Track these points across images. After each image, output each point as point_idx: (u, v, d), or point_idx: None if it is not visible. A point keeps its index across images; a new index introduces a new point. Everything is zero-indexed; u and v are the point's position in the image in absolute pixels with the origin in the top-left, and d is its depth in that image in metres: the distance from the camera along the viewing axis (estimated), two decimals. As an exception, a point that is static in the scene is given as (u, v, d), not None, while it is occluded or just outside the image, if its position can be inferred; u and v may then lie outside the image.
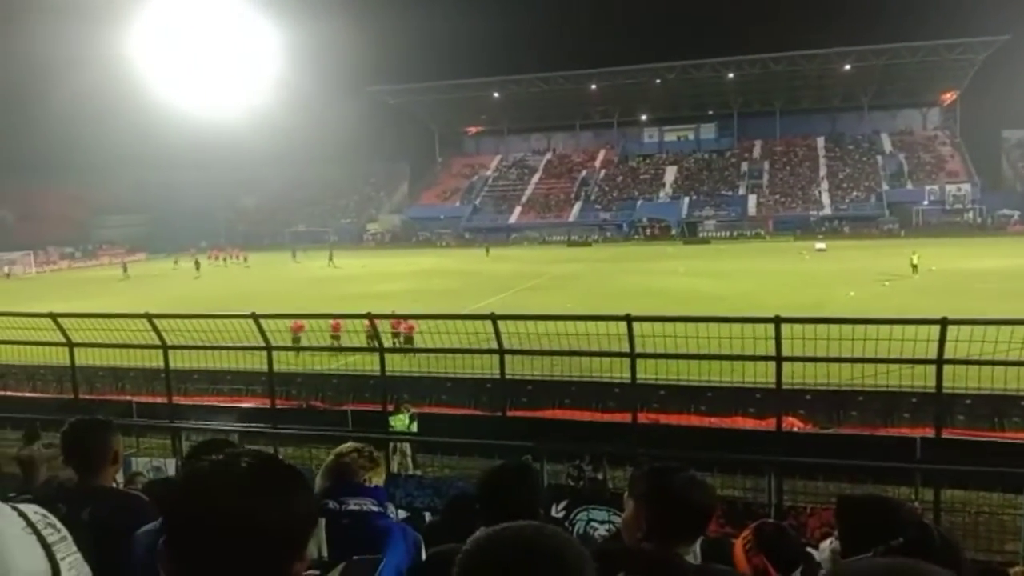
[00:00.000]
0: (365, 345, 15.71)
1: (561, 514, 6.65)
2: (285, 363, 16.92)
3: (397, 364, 14.61)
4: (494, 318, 10.65)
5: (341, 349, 17.68)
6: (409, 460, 12.56)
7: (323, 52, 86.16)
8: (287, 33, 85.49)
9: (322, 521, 2.83)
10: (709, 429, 12.85)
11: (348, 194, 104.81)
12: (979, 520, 8.25)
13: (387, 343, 14.22)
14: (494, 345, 10.91)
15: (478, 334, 11.43)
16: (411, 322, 16.71)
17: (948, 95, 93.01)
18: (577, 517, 6.53)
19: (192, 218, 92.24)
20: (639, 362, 10.88)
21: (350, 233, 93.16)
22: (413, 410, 13.45)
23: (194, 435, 10.61)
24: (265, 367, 12.04)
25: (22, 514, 2.04)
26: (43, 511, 2.12)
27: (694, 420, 13.94)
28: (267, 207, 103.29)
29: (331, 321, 16.35)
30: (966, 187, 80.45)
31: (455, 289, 39.89)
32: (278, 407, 12.75)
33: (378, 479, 3.20)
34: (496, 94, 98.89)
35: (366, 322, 12.66)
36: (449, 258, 65.26)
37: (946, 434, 11.19)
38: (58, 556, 1.97)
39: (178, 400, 14.04)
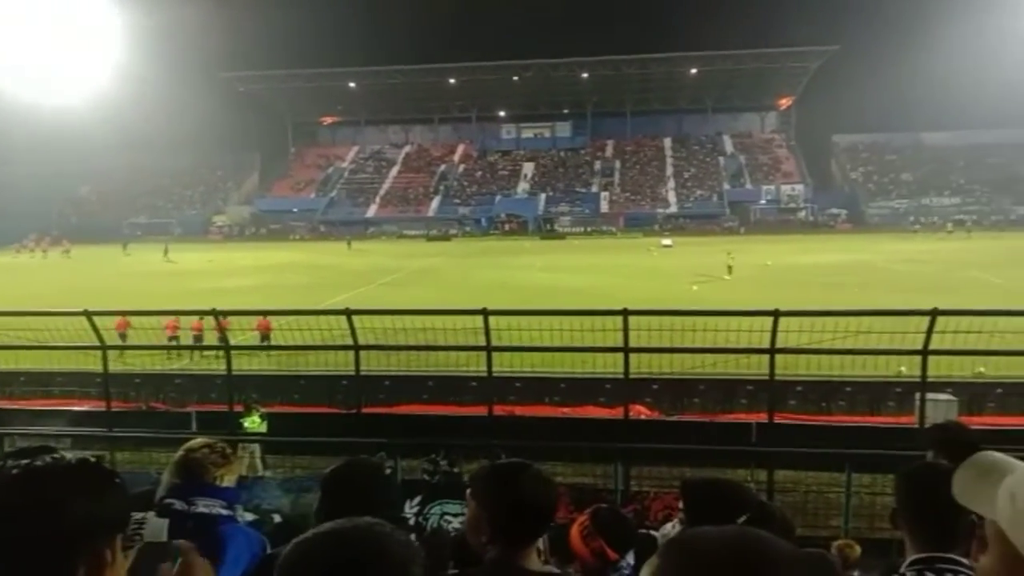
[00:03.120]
0: (213, 343, 15.06)
1: (415, 509, 6.64)
2: (123, 363, 15.97)
3: (246, 363, 14.08)
4: (348, 313, 10.46)
5: (182, 347, 16.87)
6: (258, 461, 12.16)
7: (172, 36, 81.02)
8: (133, 15, 79.68)
9: (164, 522, 2.71)
10: (562, 419, 13.19)
11: (193, 184, 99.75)
12: (808, 498, 8.88)
13: (237, 340, 13.69)
14: (349, 341, 10.73)
15: (332, 330, 11.21)
16: (266, 319, 16.23)
17: (784, 100, 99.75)
18: (431, 511, 6.53)
19: (24, 209, 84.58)
20: (495, 355, 11.03)
21: (195, 225, 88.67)
22: (263, 410, 13.01)
23: (20, 440, 9.84)
24: (100, 367, 11.28)
25: None
26: None
27: (548, 410, 14.27)
28: (105, 197, 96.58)
29: (165, 321, 15.58)
30: (799, 187, 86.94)
31: (310, 284, 38.82)
32: (114, 410, 11.98)
33: (231, 477, 3.09)
34: (352, 84, 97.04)
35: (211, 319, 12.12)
36: (304, 252, 63.45)
37: (778, 419, 12.02)
38: None
39: (3, 404, 13.02)
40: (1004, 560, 1.09)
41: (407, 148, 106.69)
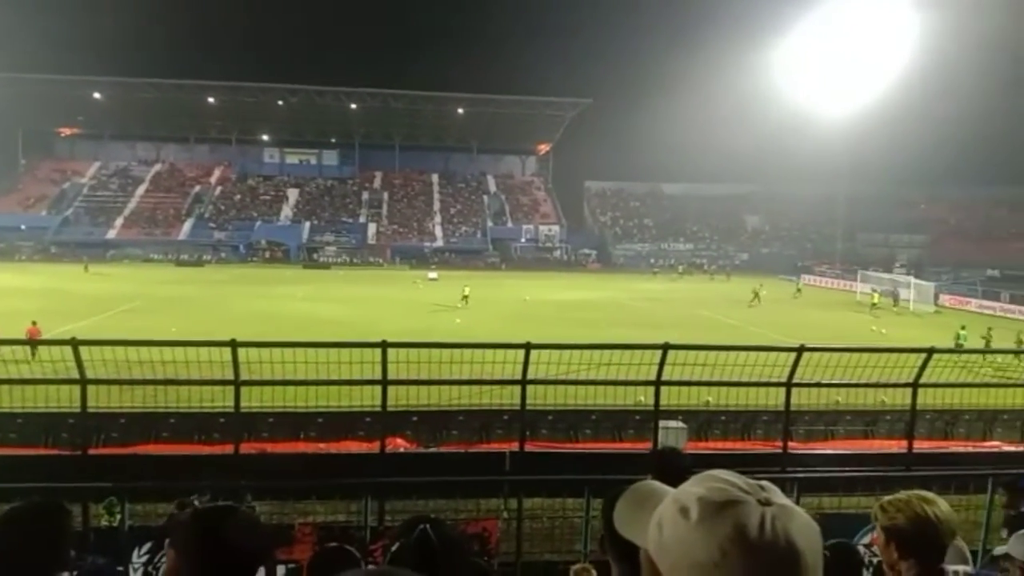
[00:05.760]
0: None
1: (144, 558, 6.07)
2: None
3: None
4: (75, 344, 9.45)
5: None
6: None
7: None
8: None
9: None
10: (316, 455, 12.76)
11: None
12: (555, 524, 9.25)
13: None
14: (76, 374, 9.67)
15: (56, 362, 10.06)
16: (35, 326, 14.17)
17: (543, 146, 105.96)
18: (162, 560, 6.00)
19: None
20: (248, 389, 10.48)
21: None
22: (-34, 453, 11.36)
23: None
24: None
25: None
26: None
27: (303, 446, 13.74)
28: None
29: None
30: (555, 228, 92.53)
31: (36, 310, 34.54)
32: None
33: None
34: (97, 95, 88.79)
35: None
36: (32, 275, 56.57)
37: (529, 447, 12.49)
38: None
39: None
40: None
41: (157, 166, 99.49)
